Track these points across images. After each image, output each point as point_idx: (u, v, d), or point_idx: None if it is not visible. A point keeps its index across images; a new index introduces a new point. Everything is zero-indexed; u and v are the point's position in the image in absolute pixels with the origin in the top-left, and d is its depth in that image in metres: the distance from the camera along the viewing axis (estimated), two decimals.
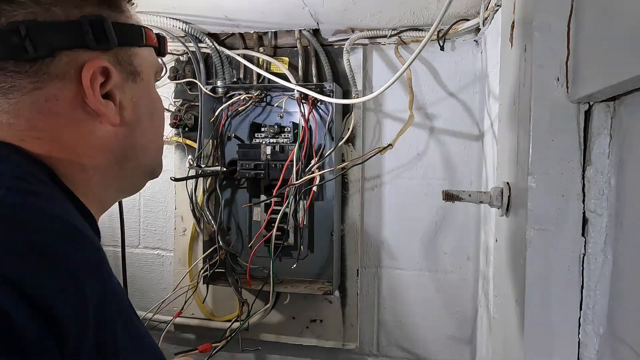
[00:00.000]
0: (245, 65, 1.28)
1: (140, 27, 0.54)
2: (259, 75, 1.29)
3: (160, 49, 0.60)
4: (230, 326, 1.28)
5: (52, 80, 0.47)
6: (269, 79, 1.29)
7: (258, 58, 1.29)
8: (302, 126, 1.20)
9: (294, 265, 1.23)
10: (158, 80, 0.60)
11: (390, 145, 1.07)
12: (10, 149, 0.45)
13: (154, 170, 0.60)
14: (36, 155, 0.46)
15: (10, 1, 0.45)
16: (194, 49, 1.27)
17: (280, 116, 1.25)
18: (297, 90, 1.18)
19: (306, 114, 1.20)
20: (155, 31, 0.59)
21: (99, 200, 0.53)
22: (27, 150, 0.46)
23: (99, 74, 0.48)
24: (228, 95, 1.28)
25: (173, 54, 1.36)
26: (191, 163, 1.23)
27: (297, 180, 1.17)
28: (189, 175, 1.25)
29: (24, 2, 0.45)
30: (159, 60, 0.60)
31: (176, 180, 1.20)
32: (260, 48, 1.28)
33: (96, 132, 0.50)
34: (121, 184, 0.55)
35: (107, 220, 1.49)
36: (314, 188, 1.21)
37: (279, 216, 1.21)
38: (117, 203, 0.90)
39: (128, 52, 0.52)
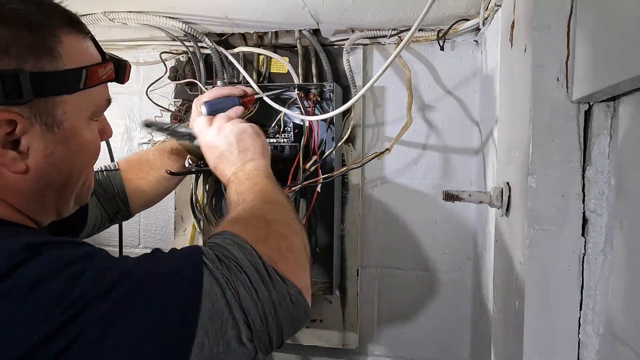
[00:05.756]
0: (245, 65, 1.28)
1: (81, 69, 0.53)
2: (259, 74, 1.29)
3: (118, 78, 0.61)
4: None
5: None
6: (269, 79, 1.29)
7: (259, 57, 1.29)
8: (307, 125, 1.20)
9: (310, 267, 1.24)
10: (100, 114, 0.60)
11: (387, 149, 1.07)
12: None
13: (79, 200, 0.62)
14: None
15: None
16: (193, 49, 1.27)
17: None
18: (297, 91, 1.18)
19: (309, 112, 1.20)
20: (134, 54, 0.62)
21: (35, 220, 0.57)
22: None
23: (4, 124, 0.49)
24: None
25: (173, 53, 1.36)
26: (191, 162, 1.22)
27: (301, 179, 1.17)
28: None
29: None
30: (107, 94, 0.60)
31: (172, 174, 1.20)
32: (261, 48, 1.28)
33: (4, 178, 0.51)
34: (48, 210, 0.58)
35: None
36: (318, 189, 1.21)
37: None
38: None
39: (48, 102, 0.51)
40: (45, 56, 0.50)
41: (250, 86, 1.24)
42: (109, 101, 0.61)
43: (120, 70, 0.61)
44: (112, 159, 0.97)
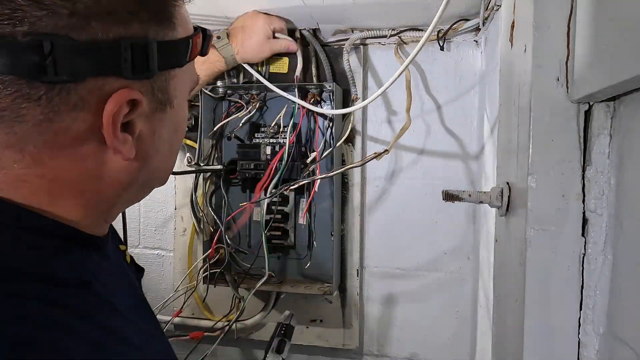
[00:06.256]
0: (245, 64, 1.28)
1: (188, 39, 0.46)
2: (259, 73, 1.28)
3: (203, 50, 0.50)
4: (228, 324, 1.27)
5: (67, 111, 0.39)
6: (269, 79, 1.29)
7: None
8: (297, 123, 1.20)
9: (307, 265, 1.26)
10: (192, 90, 0.53)
11: (386, 150, 1.07)
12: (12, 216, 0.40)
13: (160, 185, 0.55)
14: (40, 203, 0.41)
15: (40, 4, 0.36)
16: None
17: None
18: (296, 90, 1.19)
19: (303, 112, 1.20)
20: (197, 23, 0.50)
21: (102, 219, 0.49)
22: (28, 207, 0.41)
23: (124, 105, 0.41)
24: (228, 94, 1.28)
25: None
26: (190, 160, 1.22)
27: (300, 178, 1.17)
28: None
29: (56, 10, 0.36)
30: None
31: (172, 174, 1.20)
32: None
33: (106, 165, 0.43)
34: (123, 204, 0.51)
35: None
36: (316, 189, 1.21)
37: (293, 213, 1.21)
38: None
39: (166, 76, 0.45)
40: (167, 23, 0.44)
41: (251, 85, 1.24)
42: (198, 79, 0.53)
43: (205, 41, 0.51)
44: None
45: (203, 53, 0.50)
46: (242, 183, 1.31)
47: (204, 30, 0.50)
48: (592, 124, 0.60)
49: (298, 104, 1.17)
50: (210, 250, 1.27)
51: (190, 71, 0.50)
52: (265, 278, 1.18)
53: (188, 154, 1.24)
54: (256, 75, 1.18)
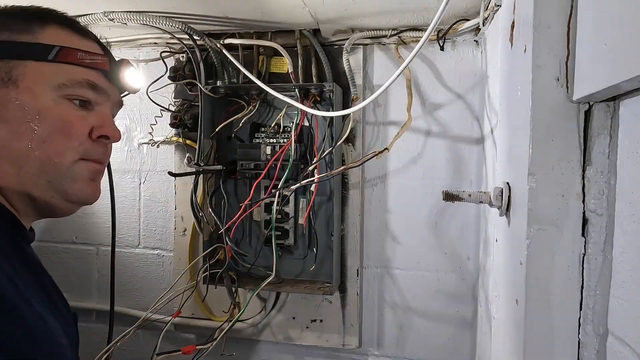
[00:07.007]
0: (244, 64, 1.28)
1: (53, 46, 0.62)
2: (259, 73, 1.28)
3: (112, 73, 0.68)
4: (219, 327, 1.24)
5: None
6: (269, 79, 1.29)
7: (258, 58, 1.29)
8: (298, 123, 1.20)
9: (312, 268, 1.26)
10: (75, 90, 0.63)
11: (386, 149, 1.06)
12: None
13: (61, 191, 0.62)
14: None
15: None
16: (193, 49, 1.27)
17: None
18: (297, 92, 1.18)
19: (303, 112, 1.20)
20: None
21: (18, 195, 0.60)
22: None
23: None
24: (228, 94, 1.28)
25: (172, 51, 1.36)
26: (190, 159, 1.22)
27: (301, 178, 1.17)
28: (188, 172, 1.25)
29: None
30: (86, 75, 0.64)
31: (173, 175, 1.19)
32: (261, 48, 1.28)
33: None
34: (18, 185, 0.59)
35: (105, 221, 1.49)
36: (312, 188, 1.21)
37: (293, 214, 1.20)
38: (110, 201, 0.89)
39: (8, 63, 0.60)
40: (22, 32, 0.61)
41: (251, 85, 1.24)
42: (89, 83, 0.64)
43: (115, 67, 0.69)
44: (110, 181, 0.86)
45: (111, 77, 0.68)
46: (242, 183, 1.31)
47: (114, 59, 0.70)
48: (592, 124, 0.60)
49: (300, 98, 1.17)
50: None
51: (61, 70, 0.62)
52: (271, 277, 1.18)
53: (188, 154, 1.24)
54: (256, 81, 1.17)
